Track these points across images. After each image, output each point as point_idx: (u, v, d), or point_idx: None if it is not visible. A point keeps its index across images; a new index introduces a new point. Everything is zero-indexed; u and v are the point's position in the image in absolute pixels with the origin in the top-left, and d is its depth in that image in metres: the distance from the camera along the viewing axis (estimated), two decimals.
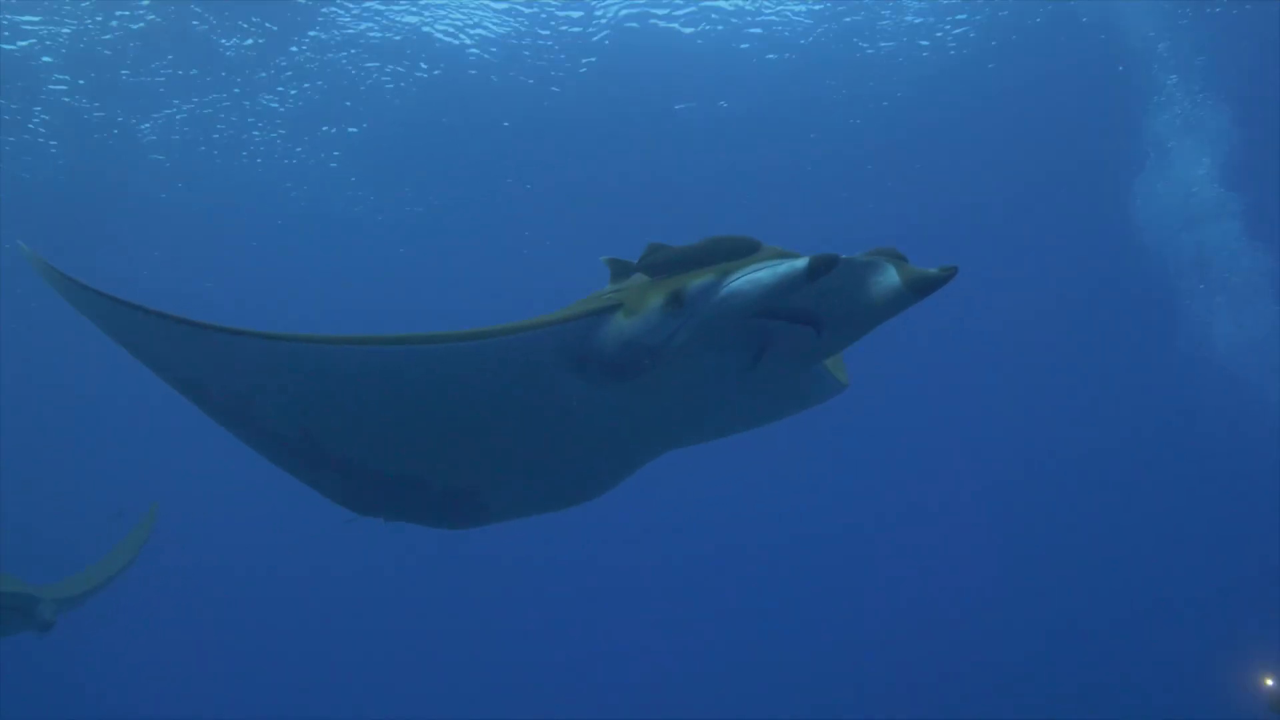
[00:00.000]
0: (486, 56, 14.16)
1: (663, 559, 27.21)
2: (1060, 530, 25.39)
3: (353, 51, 13.94)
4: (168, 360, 3.29)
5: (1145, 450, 24.26)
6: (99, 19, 12.59)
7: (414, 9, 13.18)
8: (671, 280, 3.09)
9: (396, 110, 14.99)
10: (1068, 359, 23.18)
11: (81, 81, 13.70)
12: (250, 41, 13.44)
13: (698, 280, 2.99)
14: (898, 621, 24.51)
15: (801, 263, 2.80)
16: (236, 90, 14.28)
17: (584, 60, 14.31)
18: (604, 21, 13.49)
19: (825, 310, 3.03)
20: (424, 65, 14.29)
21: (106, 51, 13.17)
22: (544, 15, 13.36)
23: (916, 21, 13.59)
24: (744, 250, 3.03)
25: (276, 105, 14.72)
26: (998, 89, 14.79)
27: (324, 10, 13.08)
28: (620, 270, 3.51)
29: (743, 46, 14.01)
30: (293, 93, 14.52)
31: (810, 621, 25.82)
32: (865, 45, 14.06)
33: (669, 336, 3.04)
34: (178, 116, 14.74)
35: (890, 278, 2.90)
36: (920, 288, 2.89)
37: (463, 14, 13.36)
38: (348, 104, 14.95)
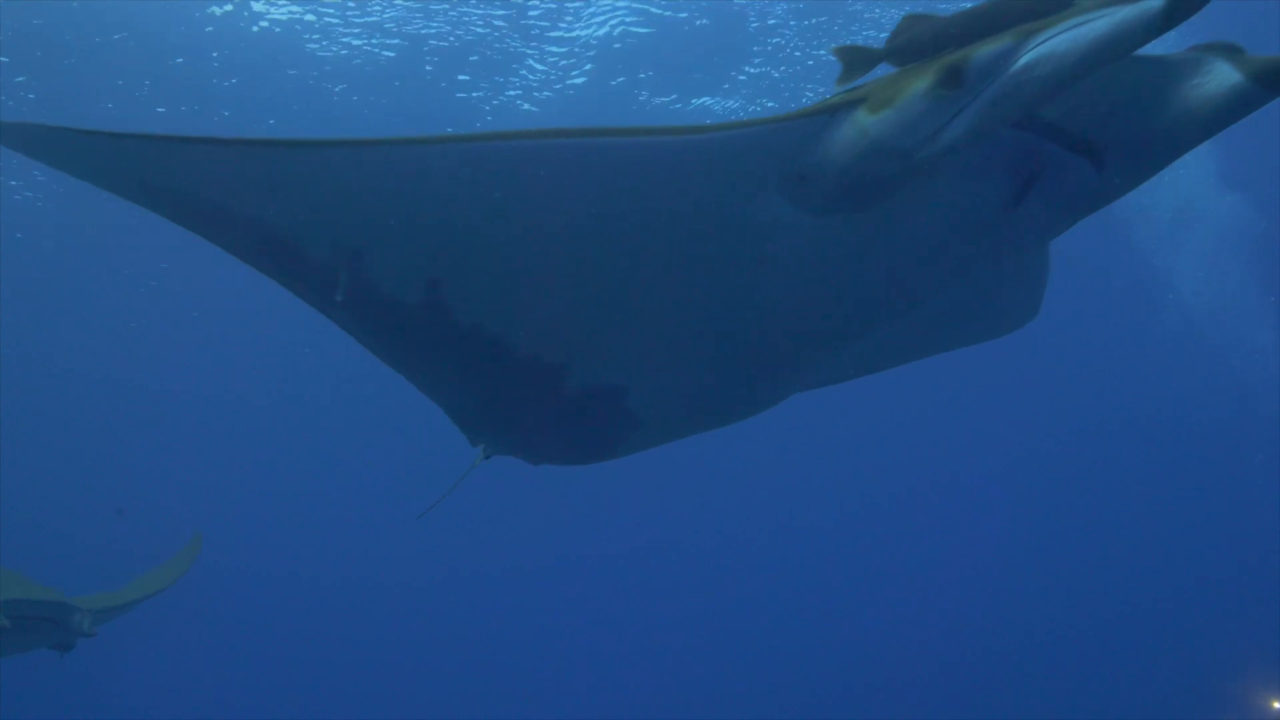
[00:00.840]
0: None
1: (665, 561, 26.88)
2: (1050, 522, 25.48)
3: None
4: (242, 210, 2.46)
5: (1130, 429, 24.36)
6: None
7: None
8: (940, 59, 2.30)
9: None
10: (1052, 344, 23.34)
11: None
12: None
13: (988, 47, 2.18)
14: (886, 623, 24.45)
15: (1156, 3, 1.96)
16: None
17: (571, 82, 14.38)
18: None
19: (1114, 135, 2.31)
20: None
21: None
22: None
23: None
24: (1047, 8, 2.20)
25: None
26: None
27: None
28: (856, 60, 2.67)
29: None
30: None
31: (806, 623, 25.71)
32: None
33: (932, 134, 2.24)
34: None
35: (1222, 74, 2.13)
36: (1275, 80, 2.08)
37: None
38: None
